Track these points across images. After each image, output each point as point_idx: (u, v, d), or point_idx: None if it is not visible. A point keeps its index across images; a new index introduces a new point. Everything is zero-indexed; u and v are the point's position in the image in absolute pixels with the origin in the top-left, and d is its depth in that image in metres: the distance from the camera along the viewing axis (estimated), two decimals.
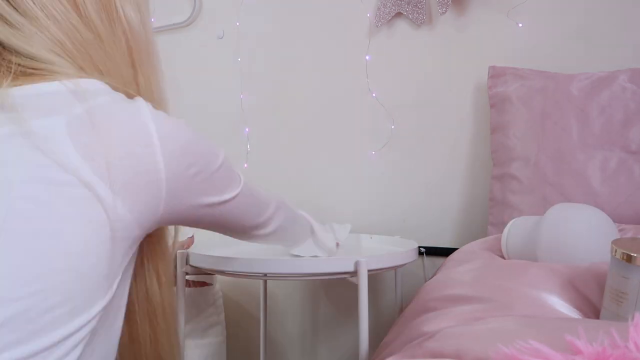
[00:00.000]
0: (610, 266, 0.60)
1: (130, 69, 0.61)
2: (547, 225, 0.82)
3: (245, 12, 1.54)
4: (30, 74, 0.52)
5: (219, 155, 0.62)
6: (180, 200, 0.57)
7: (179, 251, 1.02)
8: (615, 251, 0.58)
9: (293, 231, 0.89)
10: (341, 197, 1.46)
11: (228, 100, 1.56)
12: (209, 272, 1.08)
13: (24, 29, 0.53)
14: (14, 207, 0.46)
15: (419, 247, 1.16)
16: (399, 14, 1.38)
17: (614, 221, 0.84)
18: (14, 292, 0.44)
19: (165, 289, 0.64)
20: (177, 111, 0.63)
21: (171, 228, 0.67)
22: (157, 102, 0.60)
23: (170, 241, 0.66)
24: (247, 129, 1.55)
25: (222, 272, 0.99)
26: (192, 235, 1.09)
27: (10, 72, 0.51)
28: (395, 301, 1.24)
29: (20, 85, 0.51)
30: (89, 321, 0.50)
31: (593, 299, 0.66)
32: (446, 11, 1.29)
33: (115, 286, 0.53)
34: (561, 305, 0.66)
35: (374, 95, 1.42)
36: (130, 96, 0.56)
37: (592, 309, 0.66)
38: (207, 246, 1.07)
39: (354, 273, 0.91)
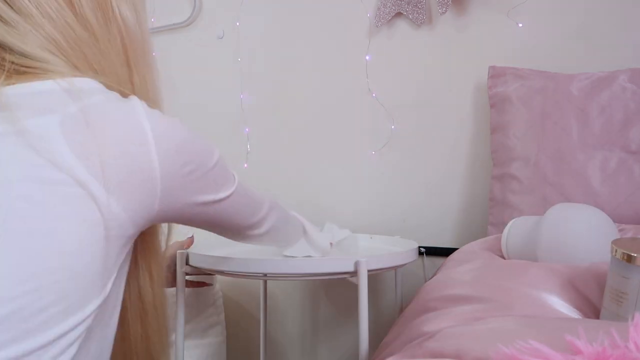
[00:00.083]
0: (610, 266, 0.60)
1: (125, 68, 0.61)
2: (547, 225, 0.82)
3: (245, 12, 1.54)
4: (24, 73, 0.52)
5: (214, 154, 0.62)
6: (176, 199, 0.57)
7: (179, 251, 1.02)
8: (615, 251, 0.58)
9: (285, 232, 0.89)
10: (341, 197, 1.46)
11: (228, 100, 1.56)
12: (209, 272, 1.08)
13: (19, 27, 0.53)
14: (13, 207, 0.46)
15: (419, 247, 1.16)
16: (399, 14, 1.38)
17: (614, 221, 0.84)
18: (9, 291, 0.44)
19: (157, 287, 0.64)
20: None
21: (164, 227, 0.67)
22: (152, 101, 0.60)
23: (163, 240, 0.66)
24: (247, 129, 1.55)
25: (221, 272, 0.99)
26: (192, 236, 1.08)
27: (4, 70, 0.51)
28: (395, 301, 1.24)
29: (13, 84, 0.51)
30: (84, 320, 0.50)
31: (593, 299, 0.66)
32: (446, 11, 1.29)
33: (110, 284, 0.53)
34: (561, 305, 0.66)
35: (374, 95, 1.42)
36: (124, 95, 0.56)
37: (592, 309, 0.66)
38: (207, 246, 1.07)
39: (354, 273, 0.91)
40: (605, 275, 0.63)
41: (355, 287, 0.91)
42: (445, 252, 1.20)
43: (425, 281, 0.94)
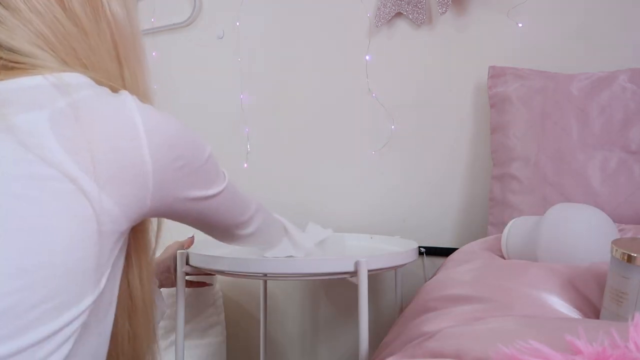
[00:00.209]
0: (610, 266, 0.60)
1: (115, 64, 0.60)
2: (547, 225, 0.82)
3: (245, 12, 1.54)
4: (12, 68, 0.52)
5: (205, 149, 0.62)
6: (167, 193, 0.57)
7: (179, 251, 1.02)
8: (615, 251, 0.58)
9: (269, 233, 0.89)
10: (341, 197, 1.46)
11: (228, 100, 1.56)
12: (209, 272, 1.08)
13: (7, 22, 0.53)
14: (3, 203, 0.46)
15: (419, 247, 1.16)
16: (399, 14, 1.38)
17: (614, 221, 0.84)
18: (0, 288, 0.44)
19: (146, 284, 0.63)
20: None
21: (154, 223, 0.66)
22: (143, 96, 0.59)
23: (153, 236, 0.66)
24: (247, 129, 1.55)
25: (221, 272, 0.99)
26: (193, 236, 1.08)
27: None
28: (395, 301, 1.24)
29: (2, 80, 0.51)
30: (79, 316, 0.50)
31: (593, 299, 0.66)
32: (446, 11, 1.29)
33: (104, 280, 0.53)
34: (561, 305, 0.66)
35: (374, 95, 1.42)
36: (115, 90, 0.55)
37: (592, 309, 0.66)
38: (207, 246, 1.07)
39: (354, 273, 0.91)
40: (605, 275, 0.63)
41: (355, 287, 0.91)
42: (445, 252, 1.20)
43: (425, 281, 0.94)
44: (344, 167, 1.46)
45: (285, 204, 1.48)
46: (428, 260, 1.36)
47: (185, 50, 1.62)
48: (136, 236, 0.61)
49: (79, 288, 0.49)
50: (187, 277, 1.08)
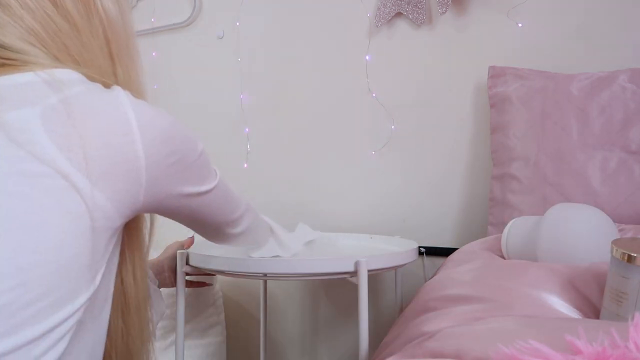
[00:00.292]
0: (610, 266, 0.60)
1: (108, 60, 0.60)
2: (547, 225, 0.82)
3: (245, 12, 1.54)
4: (3, 65, 0.52)
5: (198, 145, 0.62)
6: (160, 189, 0.57)
7: (179, 251, 1.02)
8: (615, 251, 0.58)
9: (257, 233, 0.89)
10: (341, 197, 1.46)
11: (228, 100, 1.56)
12: (209, 272, 1.08)
13: None
14: (2, 201, 0.46)
15: (419, 247, 1.16)
16: (399, 14, 1.38)
17: (614, 221, 0.84)
18: None
19: (140, 281, 0.63)
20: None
21: (147, 220, 0.66)
22: (136, 93, 0.59)
23: (146, 233, 0.65)
24: (247, 129, 1.55)
25: (221, 272, 0.99)
26: (193, 236, 1.08)
27: None
28: (395, 301, 1.24)
29: None
30: (74, 313, 0.49)
31: (593, 299, 0.66)
32: (446, 11, 1.29)
33: (99, 277, 0.52)
34: (561, 305, 0.66)
35: (374, 95, 1.42)
36: (107, 86, 0.55)
37: (592, 309, 0.66)
38: (207, 246, 1.07)
39: (354, 273, 0.91)
40: (605, 275, 0.63)
41: (355, 287, 0.91)
42: (445, 252, 1.20)
43: (425, 281, 0.94)
44: (344, 167, 1.46)
45: (285, 204, 1.48)
46: (428, 260, 1.36)
47: (185, 50, 1.62)
48: (130, 233, 0.61)
49: (73, 285, 0.49)
50: (187, 277, 1.08)
